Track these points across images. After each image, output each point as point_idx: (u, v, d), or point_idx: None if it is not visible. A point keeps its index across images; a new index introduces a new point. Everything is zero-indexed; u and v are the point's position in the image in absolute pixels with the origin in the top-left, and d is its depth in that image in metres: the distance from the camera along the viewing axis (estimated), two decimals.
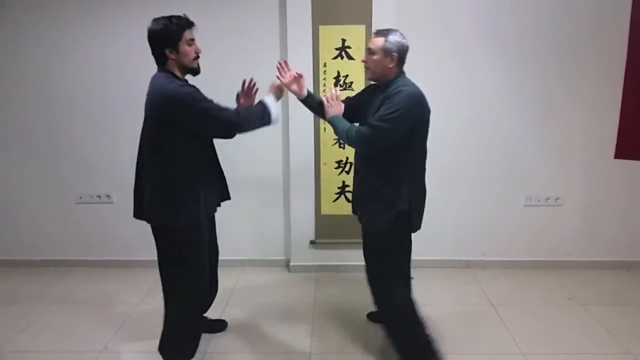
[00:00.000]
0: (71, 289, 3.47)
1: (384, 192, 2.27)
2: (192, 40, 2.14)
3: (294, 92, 2.49)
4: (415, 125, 2.22)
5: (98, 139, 3.61)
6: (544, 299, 3.24)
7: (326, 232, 3.60)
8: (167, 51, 2.10)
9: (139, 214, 2.32)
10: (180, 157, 2.14)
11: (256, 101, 2.39)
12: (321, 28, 3.26)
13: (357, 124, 2.33)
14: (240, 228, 3.64)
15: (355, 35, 3.26)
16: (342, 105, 2.45)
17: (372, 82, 2.41)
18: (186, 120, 2.07)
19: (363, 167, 2.38)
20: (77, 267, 3.80)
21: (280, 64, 2.49)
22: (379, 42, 2.24)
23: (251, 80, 2.43)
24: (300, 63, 3.23)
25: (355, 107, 2.46)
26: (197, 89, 2.15)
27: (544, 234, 3.67)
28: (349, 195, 3.50)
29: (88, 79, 3.52)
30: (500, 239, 3.69)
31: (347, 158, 3.44)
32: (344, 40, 3.28)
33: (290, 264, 3.69)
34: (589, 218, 3.64)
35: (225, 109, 2.16)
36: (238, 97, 2.46)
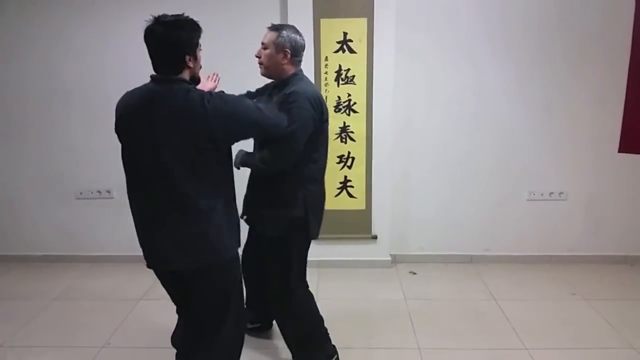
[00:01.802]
0: (72, 285, 3.46)
1: (277, 197, 2.17)
2: (200, 46, 1.91)
3: None
4: (314, 127, 2.10)
5: (98, 134, 3.58)
6: (547, 293, 3.23)
7: (326, 227, 3.52)
8: (187, 58, 1.80)
9: (162, 261, 1.92)
10: (226, 176, 1.88)
11: None
12: (322, 21, 3.23)
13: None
14: (242, 223, 3.62)
15: (357, 29, 3.23)
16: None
17: (272, 80, 2.29)
18: (242, 131, 1.87)
19: (255, 172, 2.29)
20: (78, 262, 3.79)
21: None
22: (271, 36, 2.13)
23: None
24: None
25: None
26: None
27: (548, 229, 3.65)
28: (351, 191, 3.49)
29: (88, 73, 3.50)
30: (504, 234, 3.67)
31: (349, 152, 3.42)
32: (345, 34, 3.25)
33: None
34: (592, 213, 3.62)
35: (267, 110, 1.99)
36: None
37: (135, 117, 1.85)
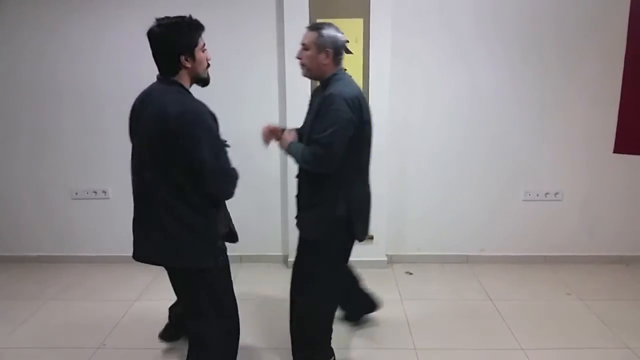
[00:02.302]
0: (67, 285, 3.45)
1: (320, 198, 2.15)
2: (204, 46, 1.91)
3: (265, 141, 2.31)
4: (354, 128, 2.07)
5: (93, 133, 3.57)
6: (542, 293, 3.24)
7: None
8: (182, 58, 1.81)
9: (145, 255, 1.96)
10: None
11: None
12: (318, 21, 3.22)
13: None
14: (238, 223, 3.60)
15: (353, 29, 3.23)
16: (294, 133, 2.25)
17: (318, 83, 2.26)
18: (196, 154, 1.76)
19: (299, 173, 2.27)
20: (73, 263, 3.77)
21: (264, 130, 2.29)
22: (312, 36, 2.10)
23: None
24: None
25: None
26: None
27: (543, 229, 3.66)
28: None
29: (83, 73, 3.48)
30: (500, 234, 3.68)
31: None
32: None
33: (289, 259, 3.67)
34: (588, 213, 3.63)
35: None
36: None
37: (133, 116, 1.91)
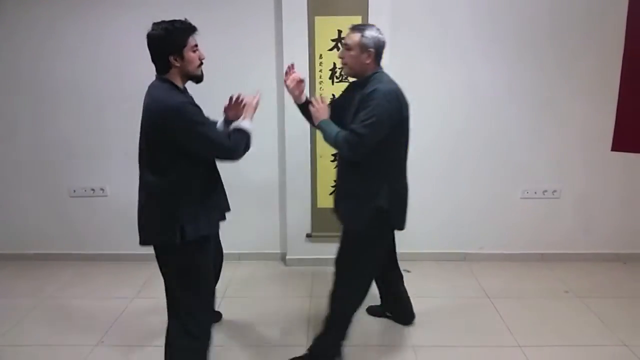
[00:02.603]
0: (65, 283, 3.45)
1: (361, 189, 2.25)
2: (196, 46, 2.04)
3: (294, 96, 2.43)
4: (393, 123, 2.16)
5: (91, 131, 3.56)
6: (540, 291, 3.24)
7: (322, 225, 3.58)
8: (171, 58, 1.97)
9: (141, 239, 2.11)
10: (184, 170, 2.00)
11: (241, 119, 2.20)
12: (317, 19, 3.22)
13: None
14: (236, 221, 3.58)
15: None
16: (328, 109, 2.37)
17: (353, 79, 2.37)
18: (186, 140, 1.95)
19: (342, 164, 2.38)
20: (71, 260, 3.77)
21: (288, 66, 2.43)
22: (355, 37, 2.20)
23: (238, 96, 2.28)
24: (296, 54, 3.21)
25: (340, 107, 2.39)
26: (199, 109, 2.02)
27: (541, 227, 3.66)
28: None
29: (81, 71, 3.47)
30: (498, 232, 3.69)
31: None
32: (339, 32, 3.24)
33: (287, 257, 3.68)
34: (585, 211, 3.64)
35: (221, 133, 2.15)
36: (225, 110, 2.34)
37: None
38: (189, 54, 2.00)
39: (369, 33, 2.19)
